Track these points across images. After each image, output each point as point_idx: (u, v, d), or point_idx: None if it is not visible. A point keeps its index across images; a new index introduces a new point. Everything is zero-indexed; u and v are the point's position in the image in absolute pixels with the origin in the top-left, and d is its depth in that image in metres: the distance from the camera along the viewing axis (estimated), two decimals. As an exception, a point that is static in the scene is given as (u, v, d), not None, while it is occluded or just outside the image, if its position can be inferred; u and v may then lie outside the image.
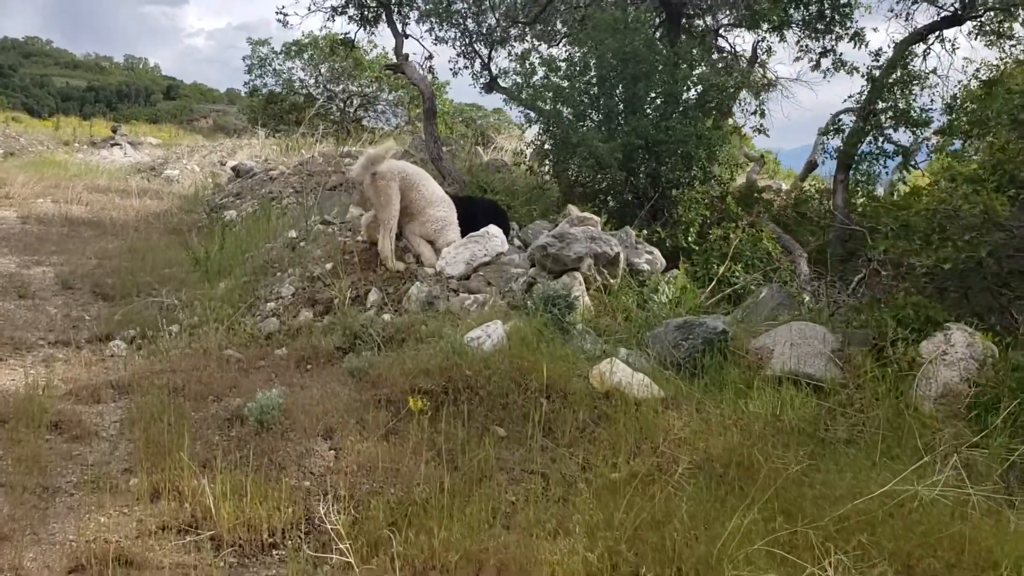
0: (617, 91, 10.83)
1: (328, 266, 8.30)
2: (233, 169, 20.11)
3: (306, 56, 28.92)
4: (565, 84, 11.14)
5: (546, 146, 12.10)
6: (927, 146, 13.65)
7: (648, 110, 10.69)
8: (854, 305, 6.81)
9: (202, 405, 6.22)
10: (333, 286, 7.92)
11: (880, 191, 15.89)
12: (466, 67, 15.75)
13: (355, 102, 30.16)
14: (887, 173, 15.36)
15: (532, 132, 13.68)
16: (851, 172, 12.82)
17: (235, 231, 11.92)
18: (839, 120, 12.79)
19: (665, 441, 5.53)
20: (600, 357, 6.60)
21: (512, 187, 13.59)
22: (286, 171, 18.34)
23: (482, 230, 8.11)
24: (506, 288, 7.62)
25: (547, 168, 12.38)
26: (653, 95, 10.72)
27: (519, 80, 13.57)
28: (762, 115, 14.28)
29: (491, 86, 15.35)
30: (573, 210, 9.48)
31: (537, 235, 9.31)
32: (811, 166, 18.64)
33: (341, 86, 29.33)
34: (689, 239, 10.33)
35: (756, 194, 13.98)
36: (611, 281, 8.18)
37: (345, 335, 7.21)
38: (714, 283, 8.56)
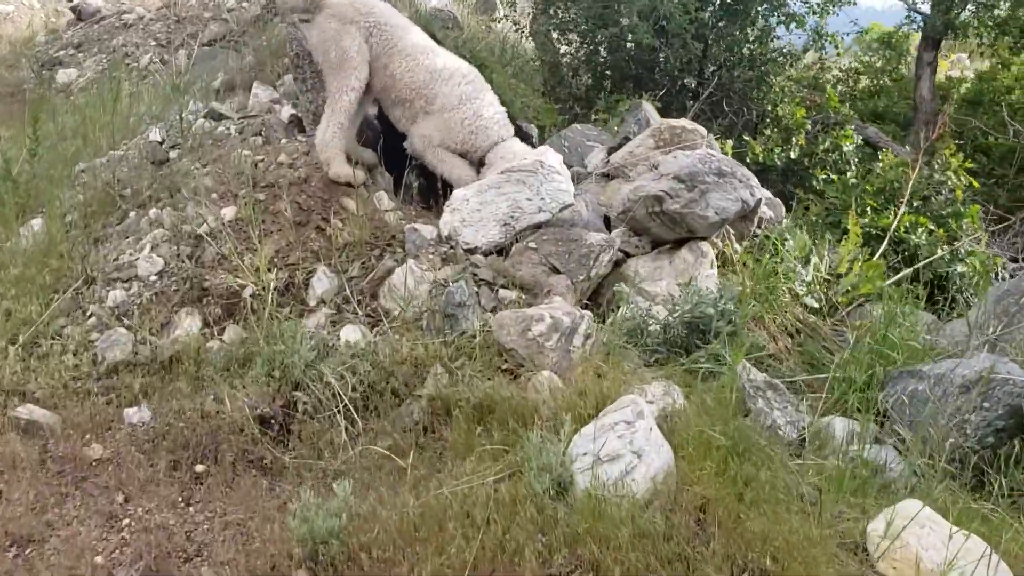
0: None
1: (227, 213, 4.43)
2: (73, 10, 15.09)
3: None
4: None
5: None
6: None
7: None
8: None
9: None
10: (238, 259, 4.11)
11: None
12: None
13: (232, -71, 24.53)
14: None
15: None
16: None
17: (65, 113, 7.66)
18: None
19: None
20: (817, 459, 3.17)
21: (474, 51, 9.60)
22: (146, 14, 13.64)
23: (531, 159, 4.36)
24: (580, 275, 4.00)
25: (542, 29, 8.48)
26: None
27: None
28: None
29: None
30: (650, 111, 5.75)
31: (578, 152, 5.64)
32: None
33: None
34: (793, 154, 6.84)
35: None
36: (737, 246, 4.69)
37: (272, 383, 3.53)
38: (884, 247, 5.17)
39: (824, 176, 6.58)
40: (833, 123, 7.34)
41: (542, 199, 4.19)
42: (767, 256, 4.46)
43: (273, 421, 3.42)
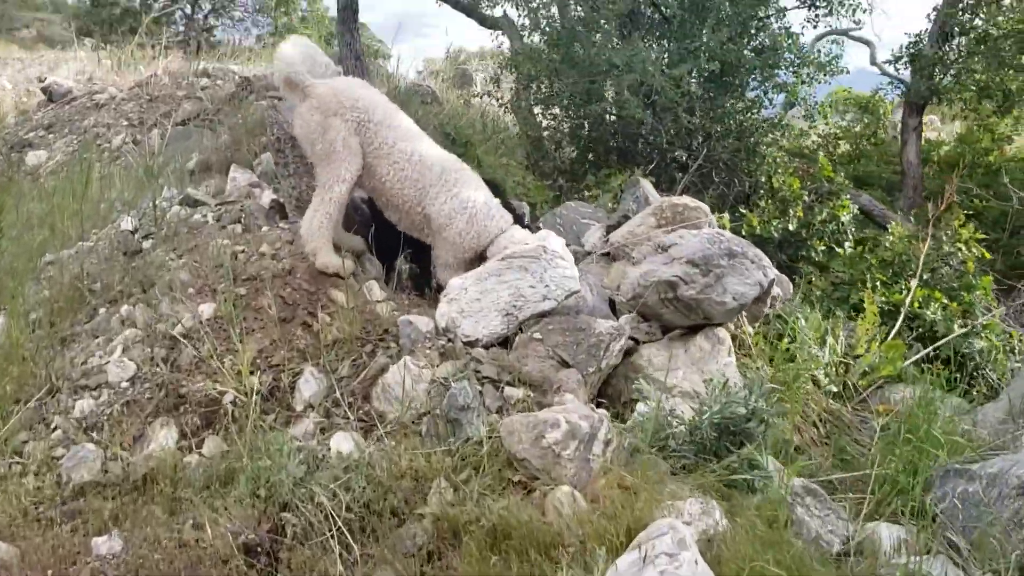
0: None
1: (205, 309, 4.11)
2: (44, 90, 14.86)
3: (143, -55, 23.27)
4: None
5: (525, 69, 8.03)
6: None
7: (719, 15, 6.70)
8: None
9: None
10: (218, 362, 3.78)
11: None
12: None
13: (205, 7, 24.75)
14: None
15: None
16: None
17: (32, 200, 7.35)
18: (918, 42, 9.29)
19: None
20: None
21: (458, 127, 9.44)
22: (118, 94, 13.39)
23: (532, 243, 4.10)
24: (590, 367, 3.71)
25: (524, 104, 8.34)
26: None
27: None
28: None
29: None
30: (648, 189, 5.54)
31: (573, 230, 5.41)
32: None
33: (188, -15, 23.78)
34: (791, 225, 6.65)
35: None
36: (750, 328, 4.43)
37: (258, 503, 3.18)
38: (899, 324, 4.94)
39: (823, 247, 6.39)
40: (827, 192, 7.20)
41: (546, 286, 3.92)
42: (784, 340, 4.20)
43: (259, 549, 3.05)
